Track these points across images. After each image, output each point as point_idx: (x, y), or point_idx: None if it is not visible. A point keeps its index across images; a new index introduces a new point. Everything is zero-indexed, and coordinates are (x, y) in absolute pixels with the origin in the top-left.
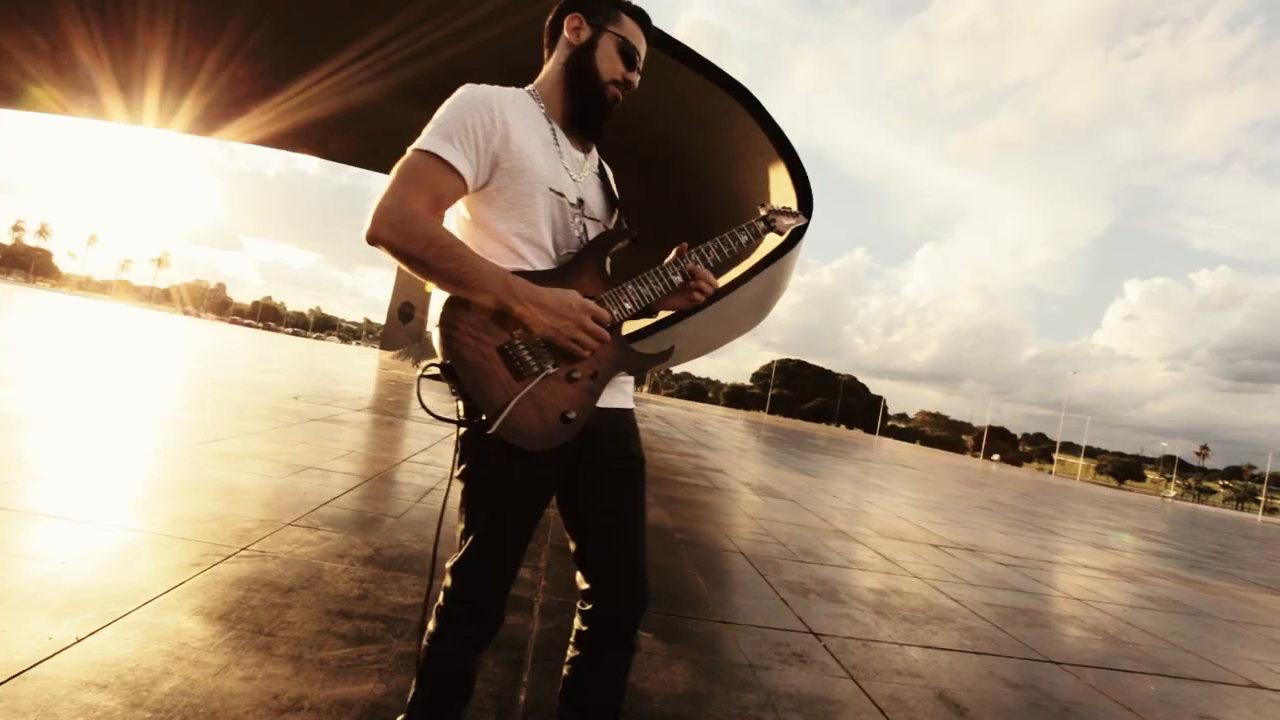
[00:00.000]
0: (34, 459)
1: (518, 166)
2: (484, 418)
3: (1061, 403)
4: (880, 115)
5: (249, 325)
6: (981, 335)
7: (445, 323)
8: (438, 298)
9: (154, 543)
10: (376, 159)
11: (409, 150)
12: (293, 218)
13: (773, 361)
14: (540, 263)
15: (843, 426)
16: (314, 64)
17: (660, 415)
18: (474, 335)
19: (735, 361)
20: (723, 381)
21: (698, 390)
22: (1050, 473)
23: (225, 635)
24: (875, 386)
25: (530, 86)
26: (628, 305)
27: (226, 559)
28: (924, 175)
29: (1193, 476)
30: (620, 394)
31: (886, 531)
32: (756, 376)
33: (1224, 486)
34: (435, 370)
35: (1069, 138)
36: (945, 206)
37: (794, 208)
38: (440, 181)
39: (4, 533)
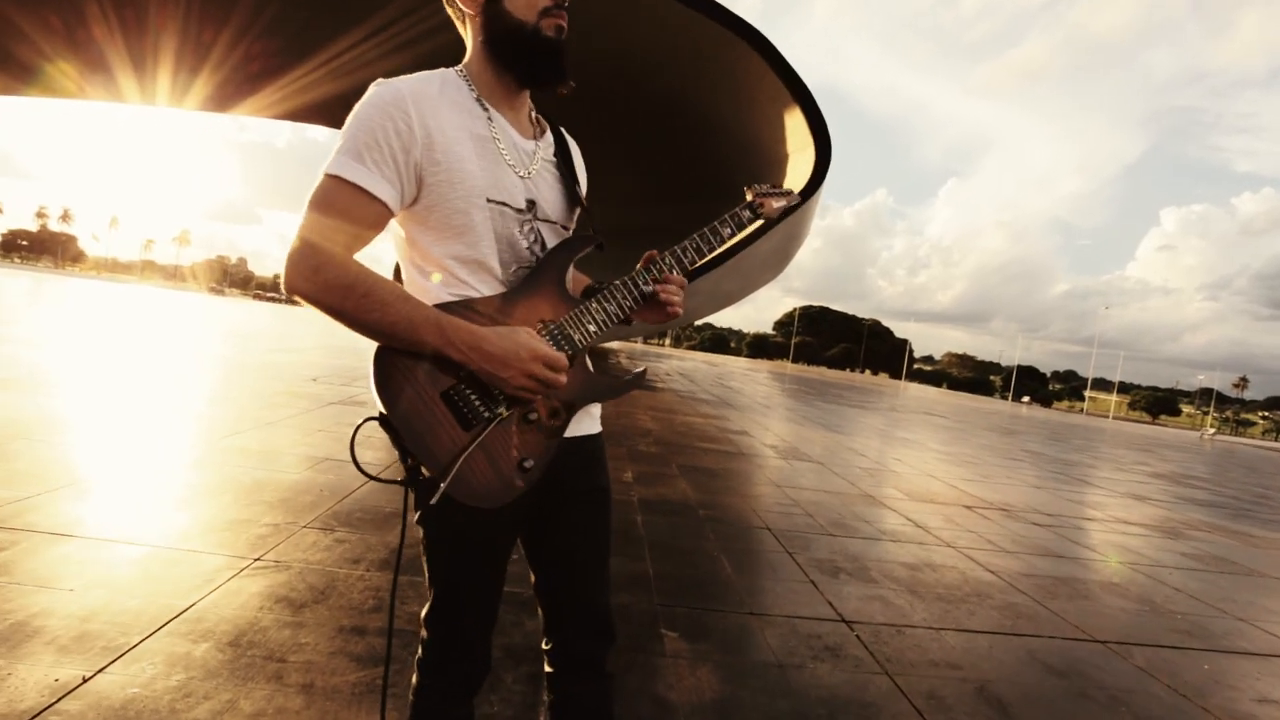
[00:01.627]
0: (54, 468)
1: (447, 179)
2: (429, 475)
3: (1093, 338)
4: (901, 48)
5: (272, 299)
6: (1008, 272)
7: (380, 369)
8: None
9: (167, 559)
10: None
11: (320, 174)
12: (307, 187)
13: (795, 309)
14: (487, 287)
15: (868, 372)
16: (329, 40)
17: (682, 372)
18: (414, 381)
19: (757, 310)
20: (745, 331)
21: (720, 341)
22: (1082, 411)
23: (237, 663)
24: (900, 330)
25: (459, 66)
26: (591, 328)
27: (241, 572)
28: (947, 109)
29: (1230, 409)
30: (586, 418)
31: (916, 493)
32: (779, 325)
33: (1263, 418)
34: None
35: (1102, 60)
36: (969, 141)
37: (785, 186)
38: (357, 212)
39: (15, 557)
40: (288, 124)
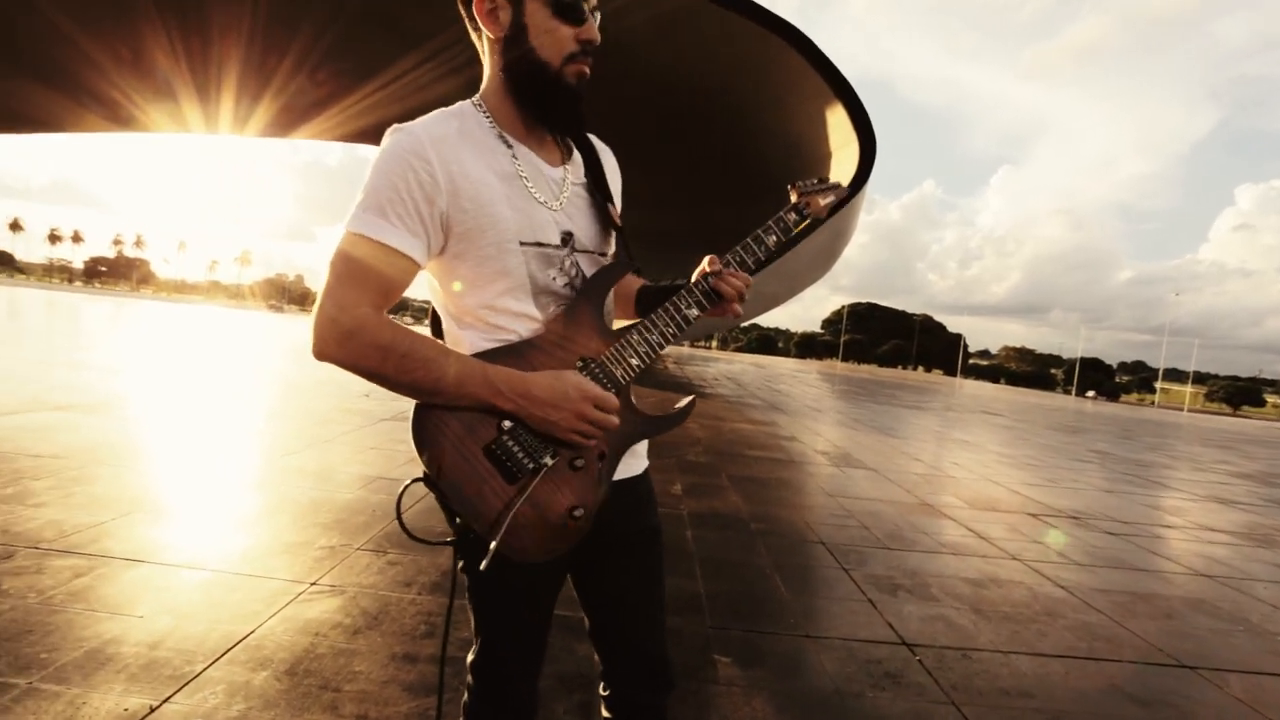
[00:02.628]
0: (128, 492)
1: (476, 226)
2: (476, 533)
3: (1164, 326)
4: (945, 35)
5: None
6: (1068, 261)
7: (419, 427)
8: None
9: (229, 583)
10: None
11: (343, 230)
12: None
13: (843, 307)
14: (525, 329)
15: (920, 369)
16: (385, 66)
17: (730, 376)
18: (455, 438)
19: (804, 308)
20: (792, 331)
21: (767, 342)
22: (1153, 404)
23: (294, 692)
24: (953, 324)
25: (475, 98)
26: (634, 361)
27: (297, 597)
28: (996, 95)
29: None
30: (632, 458)
31: (977, 500)
32: (827, 323)
33: None
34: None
35: (1163, 34)
36: (1020, 126)
37: (830, 179)
38: (384, 270)
39: (92, 583)
40: (339, 143)
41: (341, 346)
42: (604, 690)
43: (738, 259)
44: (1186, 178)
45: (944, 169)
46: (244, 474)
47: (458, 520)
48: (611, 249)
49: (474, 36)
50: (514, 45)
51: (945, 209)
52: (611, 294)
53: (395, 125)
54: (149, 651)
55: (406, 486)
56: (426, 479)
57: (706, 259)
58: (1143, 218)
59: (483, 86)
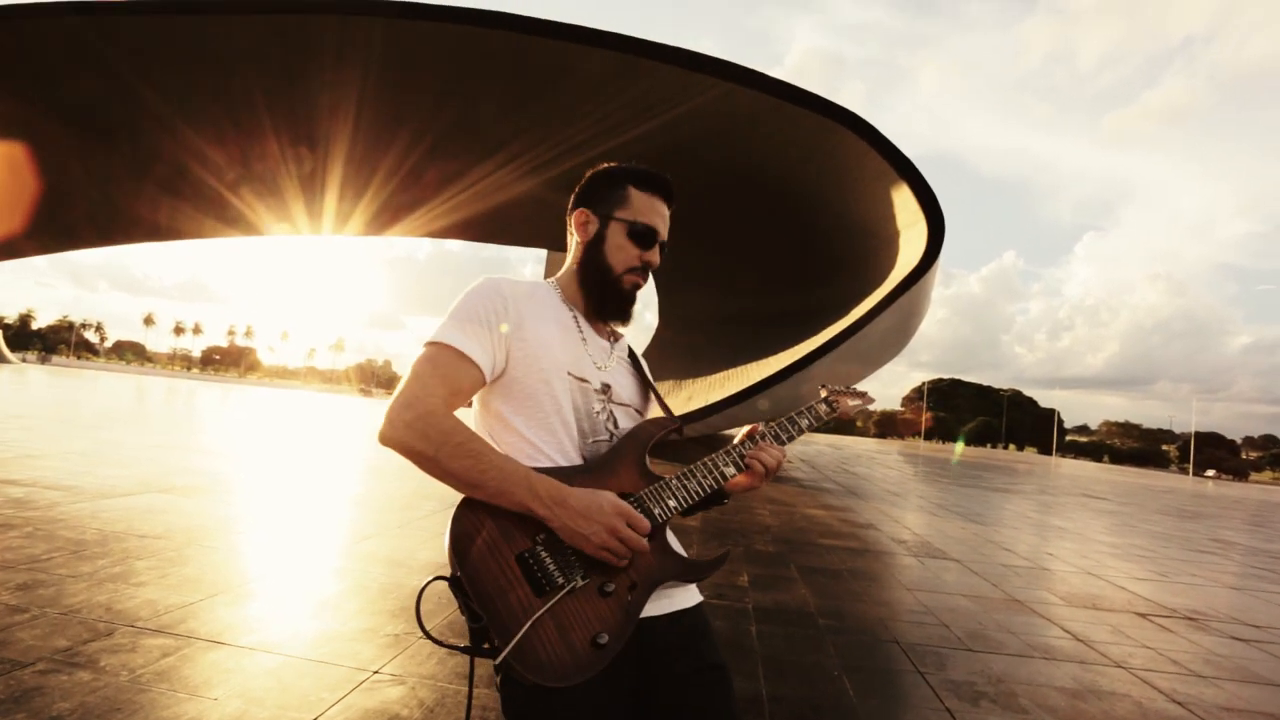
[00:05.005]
0: (217, 574)
1: (533, 353)
2: (495, 645)
3: None
4: (1017, 109)
5: None
6: (1171, 329)
7: (458, 526)
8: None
9: (298, 668)
10: (536, 239)
11: (423, 345)
12: (443, 292)
13: (923, 383)
14: (564, 457)
15: (1011, 447)
16: (470, 169)
17: (805, 458)
18: (491, 541)
19: (883, 385)
20: (871, 409)
21: (845, 422)
22: None
23: None
24: (1045, 398)
25: (550, 280)
26: (672, 503)
27: (360, 685)
28: (1075, 163)
29: None
30: (684, 593)
31: (1075, 597)
32: (907, 400)
33: None
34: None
35: (1257, 88)
36: (1104, 192)
37: (859, 391)
38: (456, 373)
39: (176, 663)
40: (428, 239)
41: (410, 428)
42: None
43: (773, 434)
44: None
45: (1024, 239)
46: (322, 558)
47: (475, 626)
48: (650, 413)
49: (568, 238)
50: (593, 249)
51: (1029, 279)
52: (648, 452)
53: (486, 275)
54: None
55: (428, 583)
56: (452, 580)
57: (748, 427)
58: (1255, 278)
59: (559, 274)
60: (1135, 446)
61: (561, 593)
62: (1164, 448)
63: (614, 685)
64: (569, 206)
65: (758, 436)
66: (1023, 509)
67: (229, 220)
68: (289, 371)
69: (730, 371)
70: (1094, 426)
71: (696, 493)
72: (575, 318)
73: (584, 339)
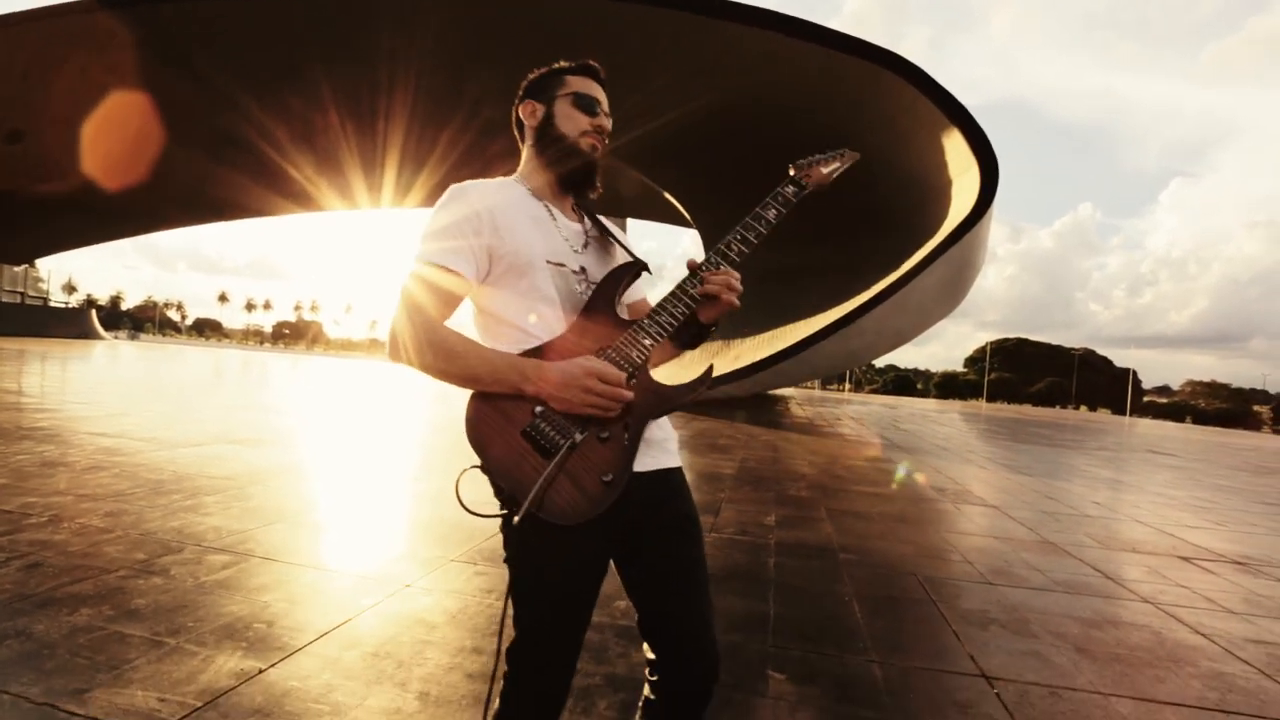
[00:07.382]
0: (275, 506)
1: (512, 248)
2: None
3: None
4: (1098, 48)
5: None
6: (1272, 281)
7: (471, 419)
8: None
9: (340, 581)
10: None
11: (413, 263)
12: None
13: (987, 344)
14: (552, 337)
15: (1083, 408)
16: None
17: (855, 417)
18: (498, 425)
19: (945, 348)
20: (932, 370)
21: (905, 383)
22: None
23: (373, 669)
24: (1121, 358)
25: (513, 176)
26: (647, 342)
27: (392, 594)
28: (1163, 103)
29: None
30: (663, 453)
31: (1113, 541)
32: (970, 361)
33: None
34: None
35: None
36: (1195, 134)
37: (833, 151)
38: (444, 286)
39: (235, 574)
40: None
41: (410, 345)
42: (650, 675)
43: (739, 237)
44: None
45: (1103, 189)
46: (372, 495)
47: (503, 495)
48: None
49: (516, 134)
50: (545, 126)
51: (1107, 233)
52: (624, 296)
53: (454, 184)
54: (267, 628)
55: (464, 472)
56: (481, 467)
57: (688, 261)
58: None
59: (520, 169)
60: (1223, 407)
61: (563, 450)
62: (1256, 408)
63: (603, 532)
64: (513, 115)
65: (710, 255)
66: (1077, 462)
67: (293, 196)
68: (352, 343)
69: (778, 330)
70: (1176, 386)
71: (669, 324)
72: (546, 207)
73: (557, 226)
